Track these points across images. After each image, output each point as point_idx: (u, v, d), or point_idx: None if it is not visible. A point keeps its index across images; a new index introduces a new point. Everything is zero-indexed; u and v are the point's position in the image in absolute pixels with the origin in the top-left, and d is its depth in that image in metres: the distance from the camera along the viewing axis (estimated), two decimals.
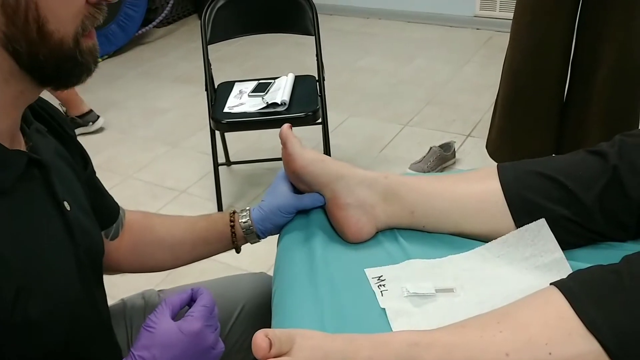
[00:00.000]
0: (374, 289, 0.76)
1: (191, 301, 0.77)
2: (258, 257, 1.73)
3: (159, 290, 1.03)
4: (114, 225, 0.90)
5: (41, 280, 0.63)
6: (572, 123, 1.87)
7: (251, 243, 0.96)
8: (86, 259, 0.73)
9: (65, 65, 0.63)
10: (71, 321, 0.68)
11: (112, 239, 0.90)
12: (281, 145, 0.92)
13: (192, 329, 0.71)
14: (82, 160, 0.84)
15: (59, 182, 0.70)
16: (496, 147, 1.99)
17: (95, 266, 0.78)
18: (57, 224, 0.68)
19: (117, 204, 0.92)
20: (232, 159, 2.45)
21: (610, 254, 0.75)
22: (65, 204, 0.70)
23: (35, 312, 0.62)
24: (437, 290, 0.75)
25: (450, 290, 0.76)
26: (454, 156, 2.37)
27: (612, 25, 1.66)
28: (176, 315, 0.75)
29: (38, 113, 0.76)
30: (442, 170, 2.30)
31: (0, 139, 0.62)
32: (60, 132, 0.79)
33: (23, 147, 0.68)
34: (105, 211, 0.88)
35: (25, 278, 0.61)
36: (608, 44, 1.68)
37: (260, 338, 0.55)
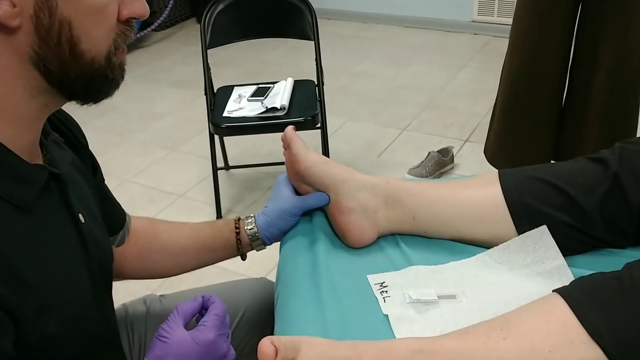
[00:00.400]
0: (376, 295, 0.76)
1: (202, 309, 0.77)
2: (256, 262, 1.73)
3: (160, 295, 1.03)
4: (121, 232, 0.90)
5: (60, 298, 0.64)
6: (570, 128, 1.88)
7: (257, 250, 0.95)
8: (98, 271, 0.73)
9: (95, 83, 0.64)
10: (85, 334, 0.69)
11: (118, 246, 0.90)
12: (282, 148, 0.92)
13: (206, 339, 0.71)
14: (93, 167, 0.85)
15: (75, 195, 0.71)
16: (494, 152, 1.99)
17: (106, 277, 0.78)
18: (72, 237, 0.69)
19: (123, 210, 0.92)
20: (230, 163, 2.45)
21: (610, 261, 0.76)
22: (80, 216, 0.70)
23: (53, 329, 0.62)
24: (439, 297, 0.75)
25: (453, 296, 0.76)
26: (452, 161, 2.37)
27: (610, 31, 1.67)
28: (188, 324, 0.75)
29: (54, 123, 0.76)
30: (440, 175, 2.31)
31: (21, 152, 0.62)
32: (74, 141, 0.80)
33: (41, 160, 0.68)
34: (113, 219, 0.88)
35: (46, 297, 0.61)
36: (606, 49, 1.69)
37: (266, 345, 0.55)
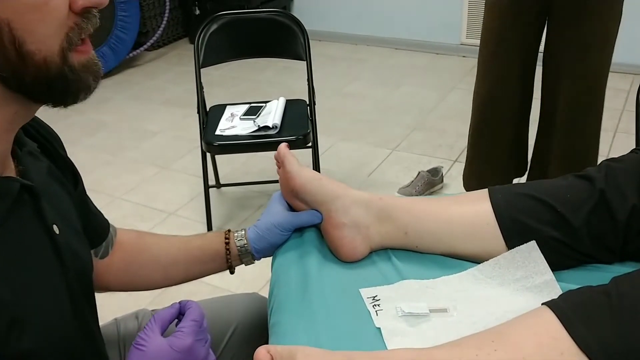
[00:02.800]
0: (369, 308, 0.77)
1: (180, 315, 0.77)
2: (247, 279, 1.74)
3: (152, 310, 1.03)
4: (104, 243, 0.89)
5: (34, 312, 0.62)
6: (536, 157, 1.89)
7: (245, 264, 0.95)
8: (76, 282, 0.72)
9: (56, 84, 0.59)
10: (64, 347, 0.68)
11: (101, 258, 0.89)
12: (276, 167, 0.93)
13: (183, 345, 0.71)
14: (73, 178, 0.83)
15: (50, 206, 0.70)
16: (466, 178, 2.00)
17: (86, 289, 0.77)
18: (46, 249, 0.68)
19: (107, 221, 0.92)
20: (221, 182, 2.46)
21: (597, 276, 0.78)
22: (55, 227, 0.69)
23: (28, 344, 0.60)
24: (431, 311, 0.76)
25: (444, 310, 0.77)
26: (442, 181, 2.39)
27: (570, 60, 1.68)
28: (166, 331, 0.75)
29: (29, 132, 0.75)
30: (429, 195, 2.33)
31: None
32: (52, 151, 0.79)
33: (13, 171, 0.66)
34: (95, 229, 0.87)
35: (18, 310, 0.60)
36: (566, 78, 1.70)
37: (262, 354, 0.56)
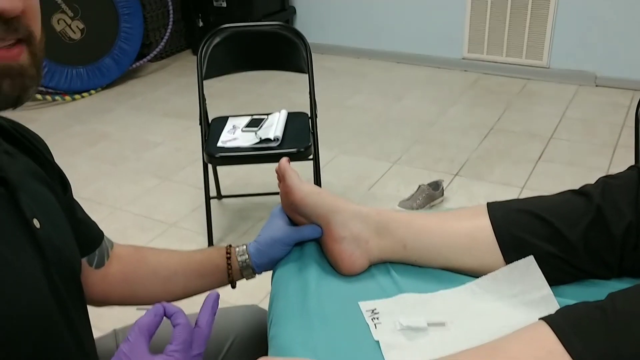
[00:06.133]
0: (367, 321, 0.78)
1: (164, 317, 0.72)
2: (247, 292, 1.74)
3: None
4: (97, 251, 0.89)
5: (10, 304, 0.61)
6: None
7: (247, 279, 0.95)
8: (58, 276, 0.71)
9: None
10: (42, 338, 0.66)
11: (97, 267, 0.89)
12: (277, 179, 0.94)
13: None
14: (62, 183, 0.84)
15: (30, 200, 0.69)
16: None
17: (70, 284, 0.75)
18: (24, 241, 0.67)
19: (100, 231, 0.91)
20: (222, 193, 2.47)
21: (595, 292, 0.78)
22: (35, 221, 0.69)
23: (3, 339, 0.59)
24: (429, 324, 0.77)
25: (442, 324, 0.77)
26: (443, 194, 2.40)
27: None
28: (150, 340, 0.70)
29: (8, 134, 0.76)
30: (430, 208, 2.33)
31: None
32: (35, 152, 0.79)
33: None
34: (87, 236, 0.87)
35: None
36: None
37: None
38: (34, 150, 0.79)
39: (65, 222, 0.79)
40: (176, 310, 0.72)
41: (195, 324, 0.74)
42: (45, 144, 0.83)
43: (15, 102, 0.62)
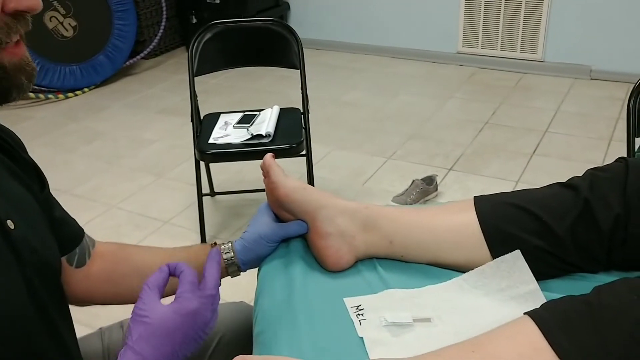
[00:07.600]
0: (352, 318, 0.77)
1: (170, 276, 0.76)
2: (240, 288, 1.73)
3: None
4: (77, 250, 0.87)
5: None
6: None
7: (232, 276, 0.93)
8: (36, 278, 0.70)
9: None
10: (23, 341, 0.65)
11: (77, 266, 0.87)
12: (262, 176, 0.93)
13: (189, 310, 0.70)
14: (39, 180, 0.82)
15: (4, 200, 0.68)
16: None
17: (50, 286, 0.75)
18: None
19: (81, 229, 0.90)
20: (215, 190, 2.46)
21: (582, 285, 0.77)
22: (9, 222, 0.68)
23: None
24: (414, 320, 0.76)
25: (428, 320, 0.76)
26: (436, 189, 2.39)
27: None
28: (161, 296, 0.73)
29: None
30: (424, 203, 2.32)
31: None
32: (11, 152, 0.77)
33: None
34: (65, 234, 0.86)
35: None
36: None
37: None
38: (7, 147, 0.77)
39: (42, 221, 0.78)
40: (178, 263, 0.77)
41: (203, 275, 0.77)
42: (19, 139, 0.81)
43: (25, 91, 0.65)
